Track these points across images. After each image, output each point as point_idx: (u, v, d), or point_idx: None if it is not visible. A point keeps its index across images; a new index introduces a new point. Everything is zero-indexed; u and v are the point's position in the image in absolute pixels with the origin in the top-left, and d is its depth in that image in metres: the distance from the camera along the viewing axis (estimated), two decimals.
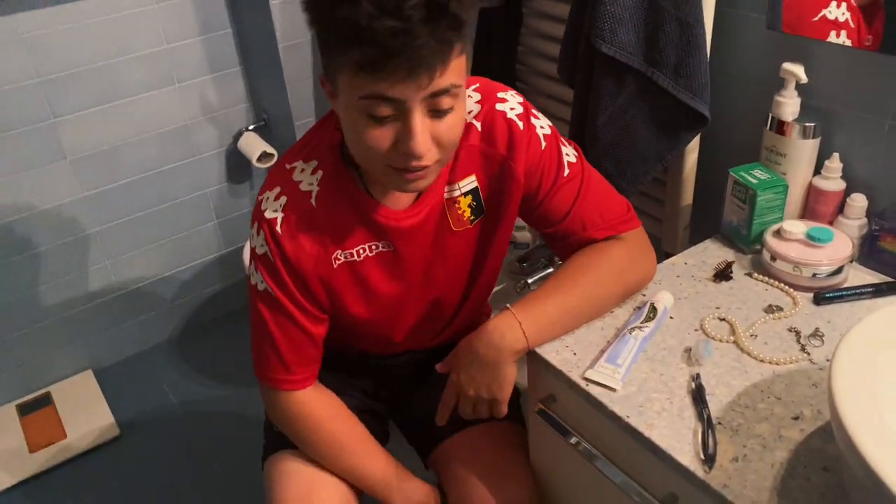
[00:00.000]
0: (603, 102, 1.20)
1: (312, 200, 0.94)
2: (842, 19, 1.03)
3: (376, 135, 0.81)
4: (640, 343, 0.94)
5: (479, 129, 0.97)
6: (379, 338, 1.11)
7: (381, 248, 0.99)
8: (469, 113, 0.96)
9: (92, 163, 1.95)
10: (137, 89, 1.95)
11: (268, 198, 0.95)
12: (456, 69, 0.79)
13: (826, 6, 1.04)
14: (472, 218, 1.01)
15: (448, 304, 1.10)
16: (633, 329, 0.96)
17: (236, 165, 2.21)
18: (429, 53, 0.75)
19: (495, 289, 1.71)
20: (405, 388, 1.23)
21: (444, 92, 0.79)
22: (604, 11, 1.13)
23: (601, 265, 0.99)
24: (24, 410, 2.04)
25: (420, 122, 0.80)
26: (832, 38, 1.05)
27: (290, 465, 1.07)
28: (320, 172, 0.94)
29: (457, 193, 0.99)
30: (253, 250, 0.97)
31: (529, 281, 1.55)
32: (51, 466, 1.87)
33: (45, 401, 2.07)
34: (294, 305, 0.97)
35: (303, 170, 0.95)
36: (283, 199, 0.94)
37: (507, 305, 0.96)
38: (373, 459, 1.06)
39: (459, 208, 1.00)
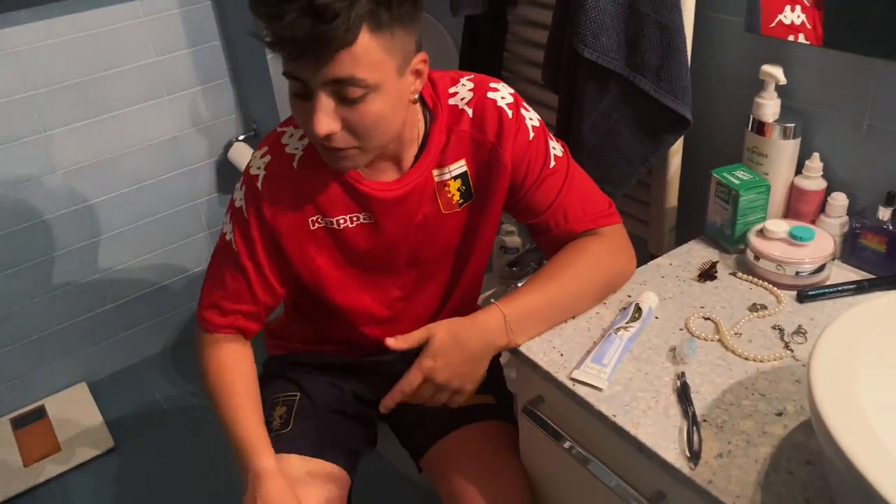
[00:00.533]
0: (587, 107, 1.21)
1: (294, 164, 0.99)
2: (798, 22, 1.05)
3: (299, 109, 0.88)
4: (626, 343, 0.95)
5: (471, 115, 1.00)
6: (364, 315, 1.11)
7: (361, 220, 1.02)
8: (462, 100, 1.01)
9: (82, 175, 1.96)
10: (127, 102, 1.96)
11: (255, 156, 1.01)
12: (357, 62, 0.82)
13: (781, 11, 1.06)
14: (461, 201, 1.04)
15: (436, 290, 1.12)
16: (618, 329, 0.97)
17: (227, 176, 2.22)
18: (309, 43, 0.79)
19: (487, 293, 1.72)
20: None
21: (343, 82, 0.83)
22: (585, 17, 1.14)
23: (581, 261, 1.02)
24: (17, 424, 2.04)
25: (322, 104, 0.84)
26: (791, 40, 1.07)
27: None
28: (307, 140, 0.99)
29: (447, 177, 1.02)
30: (232, 202, 1.03)
31: (519, 284, 1.56)
32: (46, 479, 1.87)
33: (39, 414, 2.07)
34: (253, 264, 1.02)
35: (292, 135, 1.00)
36: (268, 158, 0.99)
37: (492, 300, 0.98)
38: (247, 422, 1.02)
39: (449, 191, 1.03)
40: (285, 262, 1.04)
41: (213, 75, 2.07)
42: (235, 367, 1.06)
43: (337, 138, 0.87)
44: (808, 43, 1.06)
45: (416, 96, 0.94)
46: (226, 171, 2.21)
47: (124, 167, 2.02)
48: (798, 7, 1.04)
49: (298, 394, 1.18)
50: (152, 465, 1.92)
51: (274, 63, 1.92)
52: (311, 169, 0.98)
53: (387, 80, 0.86)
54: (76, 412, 2.07)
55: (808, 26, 1.04)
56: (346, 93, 0.84)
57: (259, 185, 0.99)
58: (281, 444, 1.10)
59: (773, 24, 1.08)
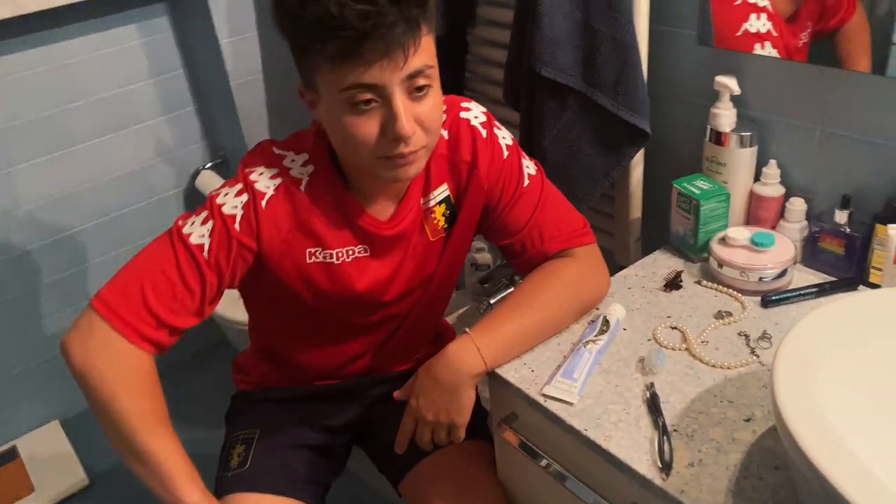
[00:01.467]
0: (547, 124, 1.23)
1: (302, 188, 0.96)
2: (763, 30, 1.07)
3: (362, 125, 0.85)
4: (595, 356, 0.96)
5: (446, 137, 1.00)
6: (340, 337, 1.11)
7: (357, 254, 1.01)
8: None
9: (48, 211, 1.94)
10: (91, 134, 1.94)
11: (262, 172, 0.95)
12: (427, 49, 0.85)
13: (746, 20, 1.08)
14: (445, 226, 1.04)
15: (407, 307, 1.12)
16: (587, 343, 0.98)
17: (195, 204, 2.20)
18: (400, 32, 0.80)
19: (460, 311, 1.72)
20: (373, 413, 1.24)
21: (420, 73, 0.84)
22: (542, 36, 1.16)
23: (556, 284, 1.02)
24: None
25: (404, 104, 0.84)
26: (758, 50, 1.10)
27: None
28: (311, 167, 0.97)
29: (432, 203, 1.02)
30: (218, 206, 0.94)
31: (492, 301, 1.56)
32: None
33: (11, 455, 2.02)
34: (218, 279, 0.94)
35: (293, 160, 0.97)
36: (279, 180, 0.95)
37: (466, 329, 0.98)
38: (177, 450, 0.92)
39: (435, 218, 1.03)
40: (257, 283, 1.00)
41: (177, 104, 2.06)
42: (155, 384, 0.94)
43: (414, 139, 0.87)
44: (774, 51, 1.08)
45: None
46: (193, 200, 2.19)
47: (91, 200, 2.00)
48: (764, 15, 1.06)
49: (258, 430, 1.16)
50: (128, 501, 1.88)
51: (238, 90, 1.92)
52: (315, 197, 0.96)
53: (436, 66, 0.88)
54: (49, 451, 2.03)
55: (775, 34, 1.06)
56: (417, 84, 0.85)
57: (264, 203, 0.94)
58: (239, 483, 1.08)
59: (738, 34, 1.10)
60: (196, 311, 0.94)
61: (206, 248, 0.92)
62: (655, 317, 1.05)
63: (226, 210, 0.93)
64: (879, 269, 1.03)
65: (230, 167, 2.15)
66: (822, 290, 1.06)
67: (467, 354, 0.96)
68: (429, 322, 1.21)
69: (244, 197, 0.93)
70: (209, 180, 2.08)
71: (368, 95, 0.83)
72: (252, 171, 0.95)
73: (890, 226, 1.00)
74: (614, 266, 1.35)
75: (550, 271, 1.03)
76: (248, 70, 1.91)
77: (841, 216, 1.07)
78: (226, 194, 0.95)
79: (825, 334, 0.77)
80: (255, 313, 1.17)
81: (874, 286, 1.04)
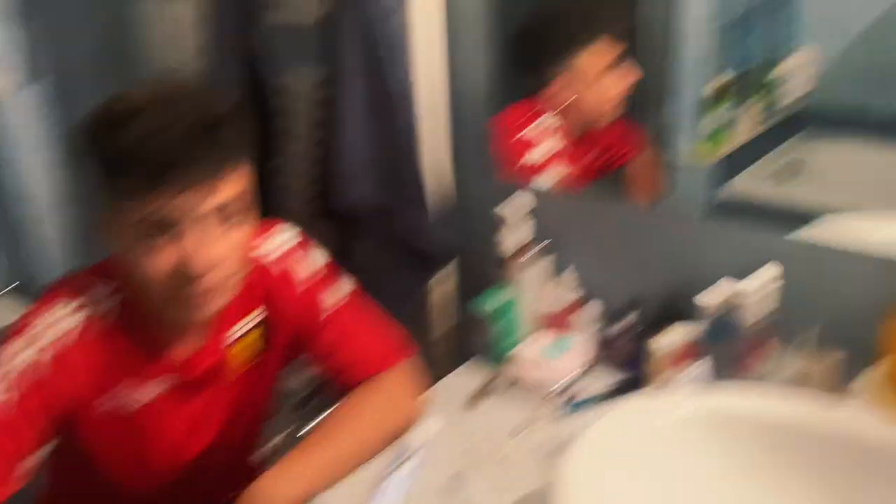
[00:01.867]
0: (353, 248, 1.26)
1: (109, 321, 0.89)
2: (543, 160, 1.18)
3: (154, 260, 0.81)
4: (403, 483, 0.95)
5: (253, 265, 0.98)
6: (148, 492, 1.03)
7: (162, 391, 0.94)
8: None
9: None
10: None
11: (66, 304, 0.87)
12: (233, 185, 0.83)
13: (524, 153, 1.19)
14: (248, 360, 1.01)
15: (219, 456, 1.05)
16: (395, 468, 0.96)
17: None
18: (202, 169, 0.79)
19: (275, 440, 1.65)
20: None
21: (225, 207, 0.82)
22: (341, 171, 1.20)
23: (362, 416, 1.00)
24: None
25: (206, 234, 0.81)
26: (542, 178, 1.20)
27: None
28: (119, 295, 0.90)
29: (239, 334, 0.99)
30: (14, 353, 0.84)
31: (299, 434, 1.51)
32: None
33: None
34: (31, 428, 0.84)
35: (100, 289, 0.90)
36: (85, 312, 0.88)
37: (267, 468, 0.94)
38: None
39: (236, 354, 0.99)
40: (65, 437, 0.91)
41: None
42: None
43: (210, 277, 0.83)
44: (557, 175, 1.18)
45: None
46: None
47: None
48: (544, 147, 1.17)
49: None
50: None
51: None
52: (123, 330, 0.90)
53: (245, 201, 0.86)
54: None
55: (557, 163, 1.17)
56: (220, 219, 0.82)
57: (72, 341, 0.86)
58: None
59: (521, 164, 1.20)
60: (11, 476, 0.82)
61: (13, 400, 0.82)
62: (463, 433, 1.05)
63: (19, 361, 0.84)
64: (658, 371, 1.10)
65: (27, 293, 1.98)
66: (619, 389, 1.12)
67: (273, 490, 0.91)
68: (240, 459, 1.15)
69: (49, 336, 0.86)
70: (2, 309, 1.91)
71: (164, 229, 0.81)
72: (55, 306, 0.88)
73: (665, 330, 1.08)
74: (432, 379, 1.37)
75: (357, 401, 1.02)
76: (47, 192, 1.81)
77: (628, 321, 1.16)
78: (26, 335, 0.86)
79: (601, 449, 0.82)
80: (56, 463, 1.06)
81: (658, 385, 1.11)
